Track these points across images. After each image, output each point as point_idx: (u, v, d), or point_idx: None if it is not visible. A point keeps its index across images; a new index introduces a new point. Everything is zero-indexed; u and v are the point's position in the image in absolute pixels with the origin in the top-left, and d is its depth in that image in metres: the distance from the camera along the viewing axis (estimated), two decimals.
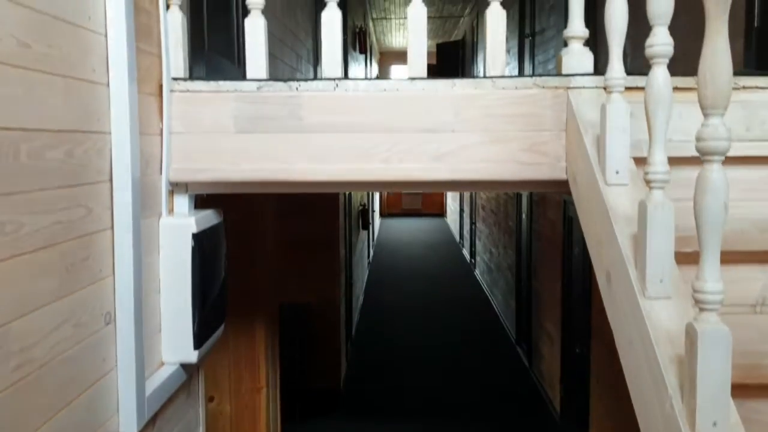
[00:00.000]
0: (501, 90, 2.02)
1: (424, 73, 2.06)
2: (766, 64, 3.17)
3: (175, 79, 2.02)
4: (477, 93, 2.02)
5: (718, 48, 1.15)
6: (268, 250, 3.85)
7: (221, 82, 2.01)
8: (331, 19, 2.05)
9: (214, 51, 2.64)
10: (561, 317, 5.89)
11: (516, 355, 7.84)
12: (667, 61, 1.43)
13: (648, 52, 1.43)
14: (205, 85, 2.02)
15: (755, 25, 3.19)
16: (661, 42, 1.40)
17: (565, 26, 2.09)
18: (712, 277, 1.16)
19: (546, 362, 6.66)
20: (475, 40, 14.42)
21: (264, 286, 3.81)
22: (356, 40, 11.78)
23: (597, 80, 2.01)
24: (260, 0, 2.05)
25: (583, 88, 2.00)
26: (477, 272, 12.28)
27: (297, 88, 2.01)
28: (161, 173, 1.99)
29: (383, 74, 23.43)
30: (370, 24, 17.02)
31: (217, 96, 2.02)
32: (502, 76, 2.04)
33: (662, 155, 1.41)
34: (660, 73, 1.41)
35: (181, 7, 2.08)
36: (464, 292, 10.93)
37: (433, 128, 2.02)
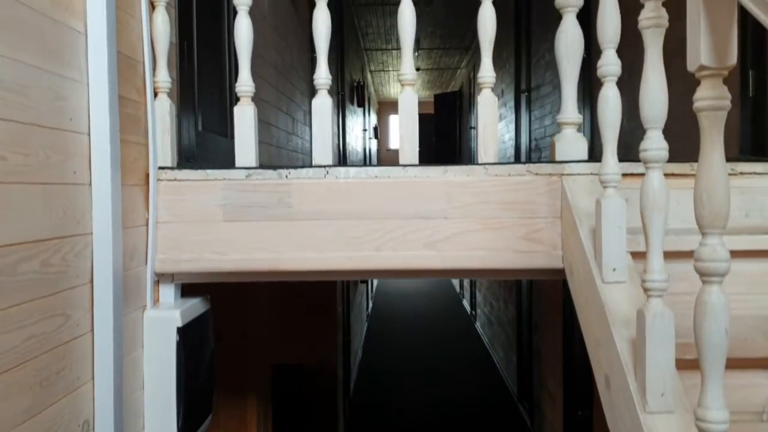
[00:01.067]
0: (494, 177, 1.99)
1: (416, 160, 2.03)
2: (762, 131, 3.16)
3: (162, 168, 1.99)
4: (470, 180, 1.99)
5: (714, 165, 1.11)
6: (261, 308, 3.78)
7: (209, 171, 1.98)
8: (322, 106, 2.03)
9: (207, 129, 2.62)
10: (563, 376, 5.77)
11: (518, 413, 7.67)
12: (662, 164, 1.39)
13: (642, 156, 1.39)
14: (193, 173, 1.98)
15: (750, 94, 3.19)
16: (655, 147, 1.37)
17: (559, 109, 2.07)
18: (715, 404, 1.10)
19: (548, 423, 6.50)
20: (471, 91, 14.56)
21: (257, 348, 3.73)
22: (354, 94, 11.89)
23: (592, 167, 1.97)
24: (249, 88, 2.03)
25: (578, 175, 1.96)
26: (478, 325, 12.14)
27: (287, 176, 1.98)
28: (146, 264, 1.94)
29: (382, 124, 23.64)
30: (369, 76, 17.23)
31: (206, 184, 1.98)
32: (495, 163, 2.01)
33: (660, 262, 1.35)
34: (655, 177, 1.37)
35: (170, 93, 2.07)
36: (465, 346, 10.78)
37: (425, 215, 1.98)
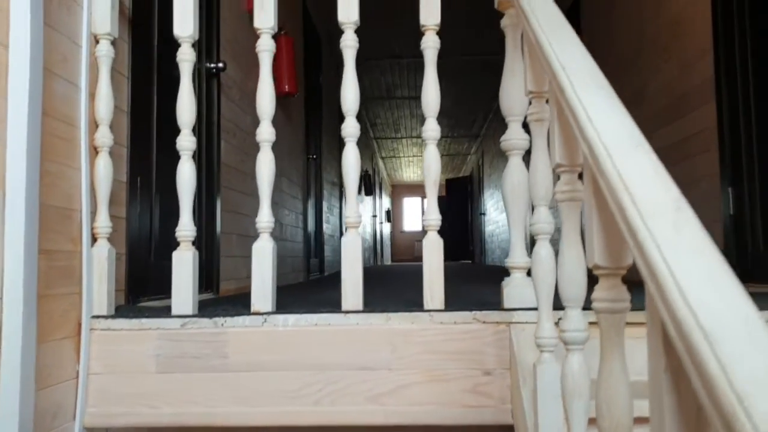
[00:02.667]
0: (439, 325, 1.90)
1: (360, 305, 1.95)
2: (744, 245, 3.06)
3: (96, 317, 1.93)
4: (414, 328, 1.90)
5: (613, 373, 1.02)
6: None
7: (144, 320, 1.92)
8: (263, 250, 1.97)
9: (161, 257, 2.58)
10: None
11: None
12: (582, 345, 1.30)
13: (561, 337, 1.30)
14: (128, 323, 1.92)
15: (730, 212, 3.11)
16: (573, 328, 1.28)
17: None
18: None
19: None
20: (481, 176, 14.62)
21: None
22: (361, 184, 11.97)
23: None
24: (190, 233, 1.99)
25: (526, 323, 1.87)
26: None
27: (222, 324, 1.91)
28: (75, 420, 1.85)
29: (396, 206, 23.77)
30: (380, 162, 17.43)
31: (140, 334, 1.92)
32: (441, 310, 1.93)
33: None
34: (575, 361, 1.28)
35: (110, 237, 2.03)
36: None
37: (368, 366, 1.89)
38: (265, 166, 1.99)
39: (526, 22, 1.57)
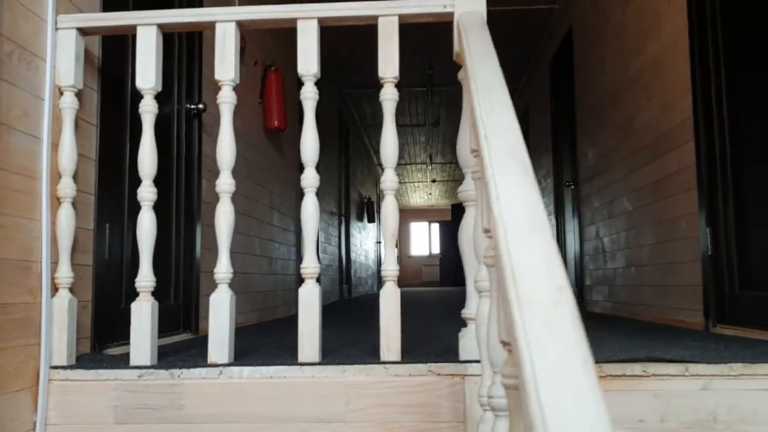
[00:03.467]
0: (394, 377, 1.90)
1: (316, 357, 1.96)
2: (721, 286, 3.03)
3: (55, 367, 1.95)
4: (369, 380, 1.90)
5: None
6: None
7: (101, 371, 1.93)
8: (221, 302, 1.99)
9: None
10: None
11: None
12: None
13: (490, 403, 1.30)
14: (86, 373, 1.93)
15: (708, 253, 3.10)
16: (501, 395, 1.28)
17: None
18: None
19: None
20: None
21: None
22: (364, 210, 12.01)
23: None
24: (150, 283, 2.01)
25: (479, 376, 1.86)
26: None
27: (179, 376, 1.92)
28: None
29: (403, 231, 23.75)
30: None
31: (98, 384, 1.93)
32: (396, 362, 1.93)
33: None
34: (502, 426, 1.28)
35: (76, 285, 2.05)
36: None
37: (323, 418, 1.89)
38: (224, 216, 2.01)
39: (468, 80, 1.59)
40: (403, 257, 23.66)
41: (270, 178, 4.78)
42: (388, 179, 2.04)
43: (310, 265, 2.00)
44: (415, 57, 7.91)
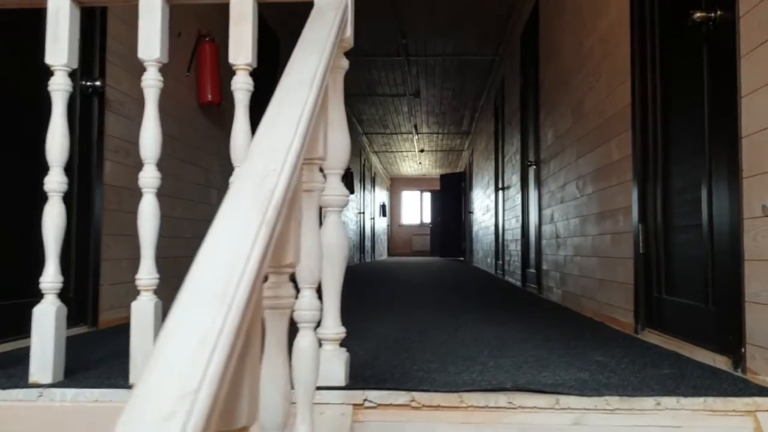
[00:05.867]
0: None
1: None
2: (650, 288, 2.82)
3: None
4: None
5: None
6: None
7: None
8: (44, 314, 1.78)
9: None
10: None
11: None
12: None
13: None
14: None
15: (641, 251, 2.88)
16: None
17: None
18: None
19: None
20: (471, 173, 14.41)
21: None
22: (342, 180, 11.76)
23: (347, 396, 1.69)
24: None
25: (327, 404, 1.67)
26: None
27: None
28: None
29: (394, 200, 23.56)
30: (372, 157, 17.20)
31: None
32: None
33: None
34: None
35: None
36: None
37: None
38: (51, 219, 1.79)
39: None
40: (393, 227, 23.49)
41: (205, 155, 4.55)
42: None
43: (145, 276, 1.79)
44: (386, 28, 7.60)
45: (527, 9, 6.26)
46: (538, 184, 5.51)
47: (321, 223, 1.52)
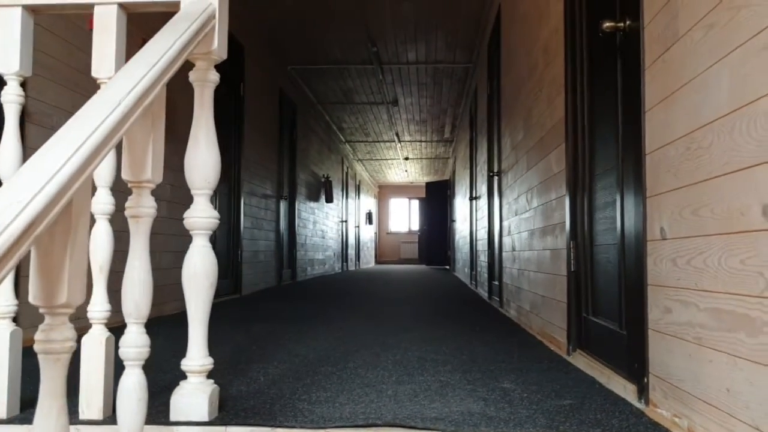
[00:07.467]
0: None
1: (3, 413, 1.64)
2: (580, 307, 2.72)
3: None
4: None
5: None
6: None
7: None
8: None
9: None
10: None
11: None
12: None
13: None
14: None
15: (572, 269, 2.78)
16: None
17: None
18: None
19: None
20: (454, 181, 14.33)
21: None
22: (322, 190, 11.67)
23: None
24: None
25: None
26: None
27: None
28: None
29: (382, 207, 23.47)
30: (356, 165, 17.11)
31: None
32: (98, 422, 1.61)
33: None
34: None
35: None
36: None
37: None
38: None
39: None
40: (381, 235, 23.37)
41: None
42: (98, 201, 1.70)
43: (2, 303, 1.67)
44: (356, 36, 7.52)
45: (492, 17, 6.17)
46: (500, 195, 5.41)
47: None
